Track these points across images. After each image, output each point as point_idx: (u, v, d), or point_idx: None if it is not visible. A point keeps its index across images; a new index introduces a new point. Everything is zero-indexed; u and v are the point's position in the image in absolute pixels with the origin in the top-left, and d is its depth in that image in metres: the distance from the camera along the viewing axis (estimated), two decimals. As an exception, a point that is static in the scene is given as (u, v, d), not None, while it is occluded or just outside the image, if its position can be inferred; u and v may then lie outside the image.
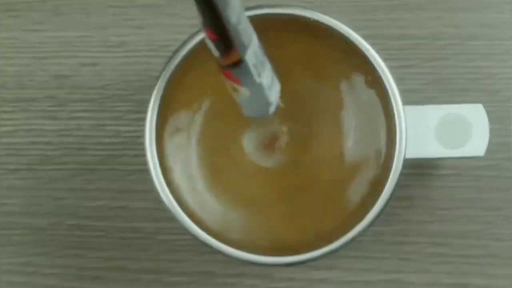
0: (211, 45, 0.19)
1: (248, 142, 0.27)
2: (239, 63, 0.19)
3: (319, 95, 0.26)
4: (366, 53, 0.25)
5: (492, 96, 0.31)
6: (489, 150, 0.26)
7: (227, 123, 0.26)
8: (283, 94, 0.26)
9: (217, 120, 0.26)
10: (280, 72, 0.26)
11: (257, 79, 0.20)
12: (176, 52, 0.26)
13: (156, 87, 0.25)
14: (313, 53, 0.26)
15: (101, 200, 0.31)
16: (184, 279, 0.31)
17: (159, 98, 0.25)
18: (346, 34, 0.25)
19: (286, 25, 0.26)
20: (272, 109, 0.21)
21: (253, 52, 0.19)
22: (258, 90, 0.20)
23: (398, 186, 0.25)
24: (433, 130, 0.26)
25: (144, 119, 0.25)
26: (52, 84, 0.32)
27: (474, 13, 0.31)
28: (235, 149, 0.26)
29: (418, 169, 0.31)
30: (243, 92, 0.20)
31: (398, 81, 0.25)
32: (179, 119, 0.26)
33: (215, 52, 0.19)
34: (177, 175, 0.26)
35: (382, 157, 0.26)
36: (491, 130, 0.26)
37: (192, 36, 0.26)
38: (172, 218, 0.25)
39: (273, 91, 0.21)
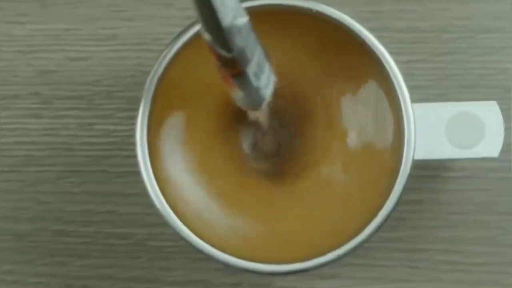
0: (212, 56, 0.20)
1: (248, 144, 0.27)
2: (240, 74, 0.20)
3: (321, 93, 0.26)
4: (372, 46, 0.25)
5: (505, 92, 0.31)
6: (503, 150, 0.26)
7: (224, 123, 0.26)
8: (282, 93, 0.26)
9: (214, 119, 0.26)
10: (278, 69, 0.26)
11: (255, 84, 0.21)
12: (169, 45, 0.25)
13: (148, 83, 0.25)
14: (314, 47, 0.26)
15: (88, 204, 0.31)
16: (177, 288, 0.31)
17: (151, 95, 0.25)
18: (350, 26, 0.25)
19: (287, 17, 0.26)
20: (265, 103, 0.22)
21: (255, 62, 0.20)
22: (254, 91, 0.21)
23: (406, 189, 0.25)
24: (444, 129, 0.26)
25: (135, 117, 0.25)
26: (37, 80, 0.32)
27: (486, 4, 0.31)
28: (233, 152, 0.26)
29: (427, 171, 0.31)
30: (239, 92, 0.21)
31: (406, 76, 0.25)
32: (172, 117, 0.26)
33: (216, 63, 0.20)
34: (170, 177, 0.26)
35: (389, 158, 0.25)
36: (504, 129, 0.26)
37: (186, 28, 0.26)
38: (165, 224, 0.25)
39: (268, 88, 0.22)
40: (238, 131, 0.26)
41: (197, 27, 0.25)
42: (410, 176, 0.25)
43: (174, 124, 0.26)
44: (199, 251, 0.25)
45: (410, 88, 0.25)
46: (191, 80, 0.26)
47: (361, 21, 0.25)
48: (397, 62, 0.25)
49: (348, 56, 0.26)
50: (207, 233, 0.25)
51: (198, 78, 0.26)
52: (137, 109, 0.25)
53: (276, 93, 0.22)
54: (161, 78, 0.25)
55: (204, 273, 0.31)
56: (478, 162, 0.31)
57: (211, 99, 0.26)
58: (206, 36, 0.18)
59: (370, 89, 0.26)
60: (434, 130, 0.26)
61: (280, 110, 0.26)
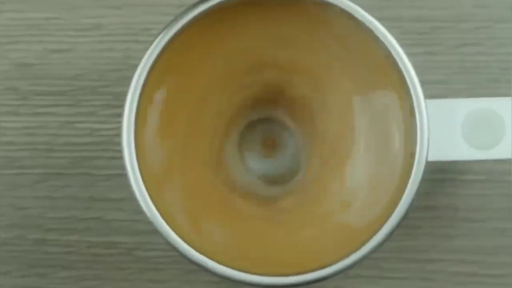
0: None
1: (245, 143, 0.27)
2: None
3: (324, 89, 0.26)
4: (381, 38, 0.25)
5: (527, 88, 0.31)
6: (524, 151, 0.26)
7: (219, 121, 0.26)
8: (283, 90, 0.26)
9: (208, 117, 0.26)
10: (278, 65, 0.26)
11: None
12: (159, 36, 0.25)
13: (135, 78, 0.25)
14: (317, 39, 0.26)
15: (71, 210, 0.31)
16: (168, 302, 0.31)
17: (138, 90, 0.25)
18: (356, 16, 0.25)
19: (288, 7, 0.26)
20: None
21: None
22: None
23: (418, 194, 0.25)
24: (460, 128, 0.26)
25: (121, 115, 0.25)
26: (15, 73, 0.32)
27: (506, -10, 0.32)
28: (229, 152, 0.26)
29: (442, 174, 0.31)
30: None
31: (418, 70, 0.25)
32: (162, 115, 0.26)
33: None
34: (160, 180, 0.26)
35: (400, 160, 0.25)
36: (526, 128, 0.26)
37: (177, 18, 0.25)
38: (154, 231, 0.25)
39: None
40: (240, 129, 0.26)
41: (189, 16, 0.25)
42: (423, 180, 0.25)
43: (165, 122, 0.26)
44: (191, 261, 0.25)
45: (423, 83, 0.25)
46: (182, 73, 0.26)
47: (369, 9, 0.25)
48: (408, 54, 0.25)
49: (353, 50, 0.26)
50: (199, 242, 0.25)
51: (190, 71, 0.26)
52: (123, 106, 0.25)
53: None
54: (150, 72, 0.25)
55: (197, 286, 0.31)
56: (497, 164, 0.30)
57: (206, 93, 0.26)
58: None
59: (379, 85, 0.26)
60: (449, 129, 0.26)
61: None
